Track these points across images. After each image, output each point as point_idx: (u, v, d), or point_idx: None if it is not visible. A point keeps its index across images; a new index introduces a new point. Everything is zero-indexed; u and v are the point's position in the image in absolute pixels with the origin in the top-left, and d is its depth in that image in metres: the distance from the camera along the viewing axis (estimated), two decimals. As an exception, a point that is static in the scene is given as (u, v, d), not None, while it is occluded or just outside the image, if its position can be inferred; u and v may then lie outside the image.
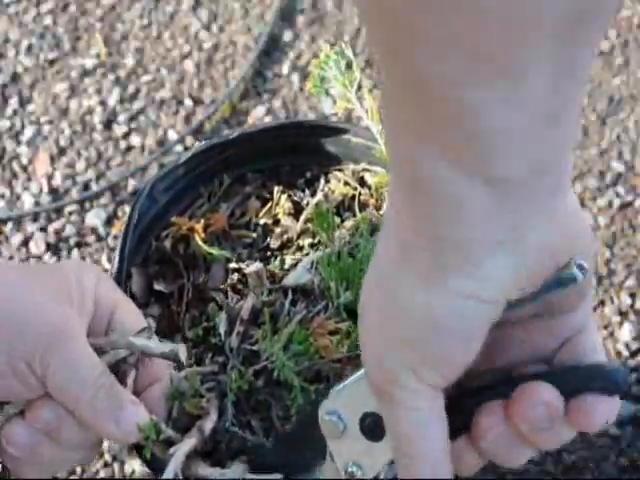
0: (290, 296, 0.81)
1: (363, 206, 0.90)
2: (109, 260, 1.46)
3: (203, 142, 0.96)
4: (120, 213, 1.52)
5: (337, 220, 0.84)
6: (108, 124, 1.62)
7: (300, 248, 0.87)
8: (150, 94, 1.66)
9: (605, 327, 1.41)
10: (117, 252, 0.87)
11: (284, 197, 0.91)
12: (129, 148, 1.60)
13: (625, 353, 1.38)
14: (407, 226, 0.48)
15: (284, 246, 0.89)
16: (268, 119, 1.62)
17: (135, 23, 1.75)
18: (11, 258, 1.48)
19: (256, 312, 0.82)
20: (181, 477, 0.69)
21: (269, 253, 0.89)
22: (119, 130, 1.61)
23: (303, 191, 0.93)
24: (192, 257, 0.91)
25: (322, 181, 0.93)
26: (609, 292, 1.45)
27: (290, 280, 0.83)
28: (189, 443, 0.70)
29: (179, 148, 1.58)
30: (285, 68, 1.69)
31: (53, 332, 0.64)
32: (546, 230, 0.49)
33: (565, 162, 0.49)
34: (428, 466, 0.53)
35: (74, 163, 1.58)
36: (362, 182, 0.92)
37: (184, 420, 0.74)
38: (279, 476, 0.71)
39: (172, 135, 1.60)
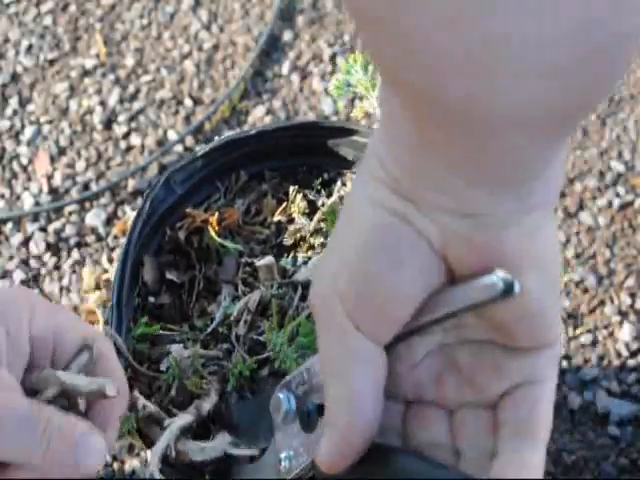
0: (300, 291, 0.82)
1: None
2: (109, 260, 1.46)
3: (223, 136, 0.97)
4: (120, 213, 1.52)
5: None
6: (108, 124, 1.62)
7: (312, 247, 0.88)
8: (150, 94, 1.66)
9: (605, 327, 1.41)
10: (126, 238, 0.88)
11: (299, 196, 0.92)
12: (129, 148, 1.60)
13: (625, 353, 1.38)
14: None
15: (297, 244, 0.90)
16: (268, 119, 1.62)
17: (135, 23, 1.75)
18: (11, 258, 1.48)
19: (265, 304, 0.83)
20: (173, 451, 0.69)
21: (282, 250, 0.90)
22: (119, 130, 1.61)
23: (319, 192, 0.94)
24: (205, 249, 0.92)
25: (339, 183, 0.94)
26: (609, 292, 1.45)
27: (301, 275, 0.84)
28: (184, 418, 0.71)
29: (179, 148, 1.58)
30: (285, 68, 1.69)
31: None
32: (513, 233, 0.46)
33: (554, 187, 0.48)
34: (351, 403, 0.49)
35: (74, 163, 1.58)
36: None
37: (184, 399, 0.75)
38: (256, 451, 0.71)
39: (172, 135, 1.60)
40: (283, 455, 0.58)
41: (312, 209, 0.92)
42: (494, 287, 0.45)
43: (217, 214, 0.91)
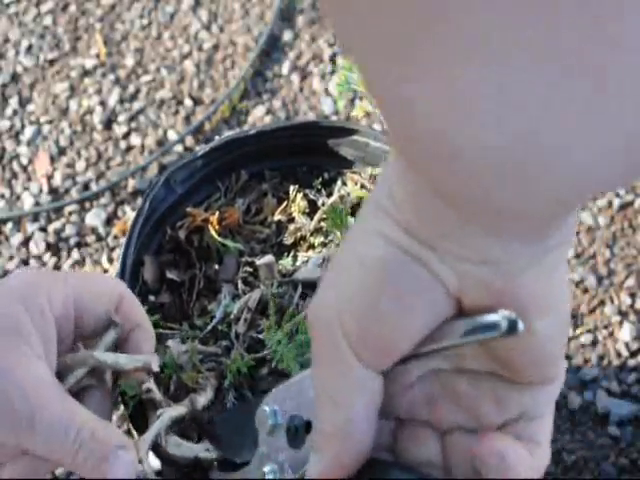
0: (300, 290, 0.82)
1: None
2: (109, 260, 1.46)
3: (223, 136, 0.98)
4: (120, 213, 1.52)
5: (351, 221, 0.84)
6: (108, 124, 1.62)
7: (312, 246, 0.89)
8: (150, 94, 1.66)
9: (605, 327, 1.41)
10: (126, 237, 0.88)
11: (300, 196, 0.92)
12: (129, 148, 1.60)
13: (625, 353, 1.38)
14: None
15: (297, 243, 0.91)
16: (268, 119, 1.62)
17: (135, 23, 1.75)
18: (11, 258, 1.48)
19: (265, 303, 0.83)
20: (164, 440, 0.69)
21: (282, 249, 0.91)
22: (119, 130, 1.61)
23: (319, 191, 0.94)
24: (206, 248, 0.92)
25: (339, 182, 0.94)
26: (609, 292, 1.45)
27: (301, 274, 0.84)
28: (178, 410, 0.71)
29: (179, 148, 1.58)
30: (285, 68, 1.69)
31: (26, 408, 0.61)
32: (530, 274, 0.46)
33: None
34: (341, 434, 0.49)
35: (74, 163, 1.58)
36: None
37: (180, 393, 0.76)
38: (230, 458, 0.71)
39: (172, 135, 1.60)
40: (267, 469, 0.58)
41: (312, 208, 0.92)
42: (498, 326, 0.45)
43: (217, 213, 0.91)
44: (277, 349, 0.72)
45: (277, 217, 0.93)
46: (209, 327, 0.82)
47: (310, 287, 0.83)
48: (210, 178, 0.96)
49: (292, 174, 0.98)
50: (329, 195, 0.93)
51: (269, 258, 0.86)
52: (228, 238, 0.92)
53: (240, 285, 0.87)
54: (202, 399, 0.74)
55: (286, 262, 0.87)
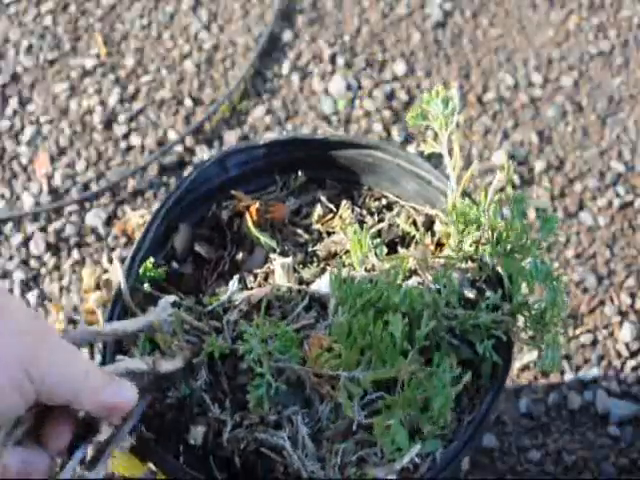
0: (306, 301, 0.82)
1: (423, 246, 0.89)
2: (109, 260, 1.46)
3: (291, 133, 0.97)
4: (120, 213, 1.52)
5: (384, 251, 0.84)
6: (108, 124, 1.62)
7: (343, 264, 0.87)
8: (150, 94, 1.66)
9: (605, 327, 1.41)
10: (164, 198, 0.89)
11: (348, 213, 0.92)
12: (129, 148, 1.60)
13: (625, 353, 1.38)
14: None
15: (329, 257, 0.90)
16: (268, 119, 1.62)
17: (135, 23, 1.75)
18: (11, 258, 1.48)
19: (269, 302, 0.83)
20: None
21: (314, 258, 0.90)
22: (119, 130, 1.61)
23: (372, 214, 0.94)
24: (243, 235, 0.93)
25: (395, 211, 0.94)
26: (609, 292, 1.45)
27: (313, 287, 0.84)
28: (136, 363, 0.72)
29: (179, 148, 1.58)
30: (285, 68, 1.69)
31: (36, 339, 0.66)
32: None
33: None
34: None
35: (74, 163, 1.58)
36: (430, 226, 0.92)
37: (150, 353, 0.76)
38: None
39: (172, 135, 1.60)
40: None
41: (361, 227, 0.92)
42: None
43: (258, 204, 0.92)
44: (248, 347, 0.72)
45: (322, 227, 0.93)
46: (209, 307, 0.82)
47: (317, 302, 0.83)
48: (269, 169, 0.96)
49: (353, 190, 0.97)
50: (380, 221, 0.93)
51: (287, 260, 0.86)
52: (267, 231, 0.92)
53: (259, 279, 0.87)
54: (168, 365, 0.74)
55: (309, 272, 0.87)
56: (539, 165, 1.57)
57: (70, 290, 1.45)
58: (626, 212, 1.53)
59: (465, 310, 0.78)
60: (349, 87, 1.67)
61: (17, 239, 1.49)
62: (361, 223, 0.92)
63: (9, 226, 1.51)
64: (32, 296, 1.44)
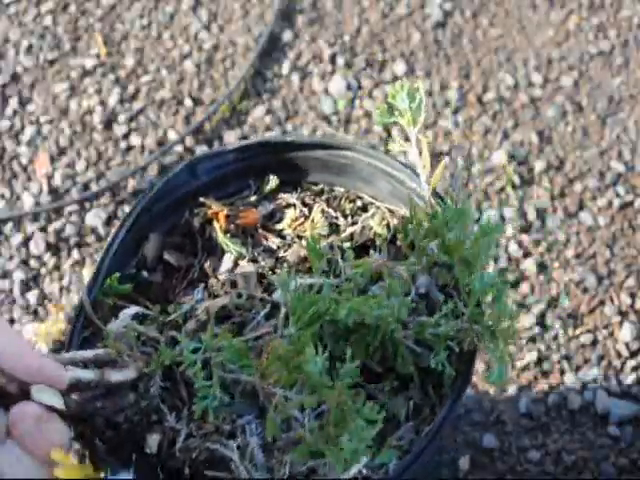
0: (267, 309, 0.81)
1: (396, 250, 0.88)
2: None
3: (259, 137, 0.95)
4: (120, 213, 1.52)
5: (351, 255, 0.82)
6: (108, 124, 1.62)
7: (310, 269, 0.85)
8: (150, 94, 1.66)
9: (605, 327, 1.41)
10: (132, 206, 0.88)
11: (320, 217, 0.90)
12: (129, 148, 1.60)
13: (625, 353, 1.38)
14: None
15: (299, 262, 0.88)
16: (268, 119, 1.62)
17: (135, 23, 1.75)
18: (11, 258, 1.48)
19: (230, 311, 0.82)
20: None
21: (283, 264, 0.88)
22: (119, 130, 1.61)
23: (346, 217, 0.92)
24: (214, 242, 0.91)
25: (370, 213, 0.92)
26: (609, 292, 1.45)
27: (275, 295, 0.83)
28: (85, 374, 0.72)
29: (179, 148, 1.58)
30: (285, 68, 1.69)
31: None
32: None
33: None
34: None
35: (74, 163, 1.58)
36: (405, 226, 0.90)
37: (100, 360, 0.76)
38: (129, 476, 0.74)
39: (172, 135, 1.60)
40: None
41: (333, 231, 0.90)
42: None
43: (227, 210, 0.90)
44: (190, 359, 0.71)
45: (294, 231, 0.91)
46: (171, 317, 0.81)
47: (277, 308, 0.80)
48: (242, 174, 0.94)
49: (328, 192, 0.95)
50: (354, 223, 0.91)
51: (248, 269, 0.84)
52: (238, 237, 0.90)
53: (225, 287, 0.85)
54: (118, 375, 0.74)
55: (278, 279, 0.82)
56: (539, 165, 1.57)
57: (70, 290, 1.45)
58: (626, 212, 1.53)
59: (428, 317, 0.76)
60: (349, 87, 1.67)
61: (17, 239, 1.49)
62: (334, 226, 0.90)
63: (9, 226, 1.51)
64: (32, 296, 1.44)
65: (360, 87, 1.68)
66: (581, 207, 1.54)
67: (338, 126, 1.62)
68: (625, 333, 1.40)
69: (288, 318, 0.74)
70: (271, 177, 0.94)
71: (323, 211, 0.92)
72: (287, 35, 1.74)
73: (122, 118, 1.62)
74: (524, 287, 1.44)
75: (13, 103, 1.65)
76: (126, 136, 1.61)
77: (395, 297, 0.74)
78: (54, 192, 1.54)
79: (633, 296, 1.44)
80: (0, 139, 1.60)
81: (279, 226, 0.92)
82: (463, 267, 0.76)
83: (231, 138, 1.60)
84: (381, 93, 1.66)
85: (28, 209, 1.52)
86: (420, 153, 0.81)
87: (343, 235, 0.88)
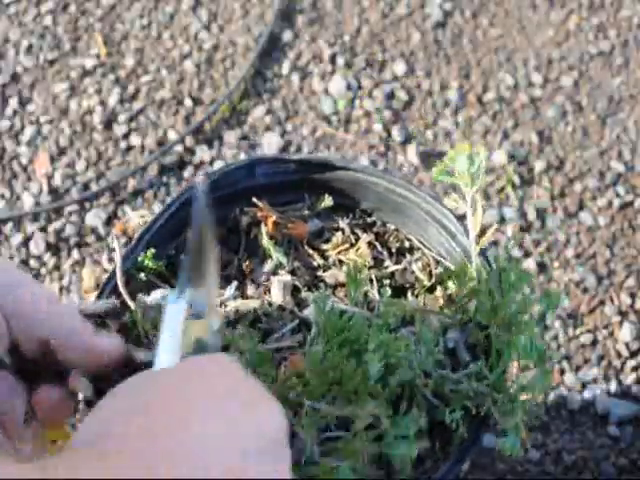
0: (295, 324, 0.81)
1: (433, 300, 0.88)
2: (109, 260, 1.46)
3: (324, 155, 0.94)
4: (120, 213, 1.52)
5: (388, 292, 0.82)
6: (108, 124, 1.62)
7: (346, 295, 0.85)
8: (150, 94, 1.66)
9: (605, 327, 1.41)
10: (180, 190, 0.87)
11: (365, 247, 0.90)
12: (129, 148, 1.60)
13: (625, 353, 1.38)
14: None
15: (337, 286, 0.88)
16: (268, 119, 1.62)
17: (135, 23, 1.75)
18: (11, 258, 1.48)
19: (258, 316, 0.82)
20: None
21: (320, 285, 0.88)
22: (119, 130, 1.61)
23: (391, 255, 0.92)
24: (258, 244, 0.91)
25: (415, 256, 0.92)
26: (609, 292, 1.45)
27: (306, 311, 0.83)
28: (139, 354, 0.72)
29: (179, 148, 1.58)
30: (285, 68, 1.69)
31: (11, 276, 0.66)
32: None
33: None
34: None
35: (74, 163, 1.58)
36: (447, 279, 0.89)
37: (137, 340, 0.76)
38: None
39: (172, 135, 1.60)
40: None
41: (375, 266, 0.90)
42: None
43: (278, 217, 0.90)
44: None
45: (337, 255, 0.91)
46: None
47: (306, 326, 0.81)
48: (298, 186, 0.94)
49: (379, 225, 0.95)
50: (397, 263, 0.90)
51: (286, 278, 0.85)
52: (283, 247, 0.90)
53: (260, 291, 0.86)
54: (141, 355, 0.73)
55: (315, 296, 0.84)
56: (539, 165, 1.58)
57: (70, 290, 1.45)
58: (626, 212, 1.53)
59: (453, 373, 0.76)
60: (349, 87, 1.67)
61: (17, 239, 1.49)
62: (377, 260, 0.90)
63: (9, 226, 1.51)
64: (32, 296, 1.44)
65: (360, 87, 1.68)
66: (581, 207, 1.54)
67: (338, 126, 1.62)
68: (625, 333, 1.40)
69: (318, 336, 0.73)
70: (326, 196, 0.94)
71: (370, 243, 0.91)
72: (287, 35, 1.74)
73: (122, 118, 1.62)
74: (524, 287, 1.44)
75: (13, 103, 1.65)
76: (126, 136, 1.61)
77: (424, 345, 0.74)
78: (54, 192, 1.54)
79: (633, 296, 1.44)
80: (0, 139, 1.60)
81: (324, 246, 0.92)
82: (501, 331, 0.76)
83: (231, 138, 1.60)
84: (381, 93, 1.66)
85: (28, 209, 1.52)
86: (473, 213, 0.83)
87: (384, 271, 0.88)
